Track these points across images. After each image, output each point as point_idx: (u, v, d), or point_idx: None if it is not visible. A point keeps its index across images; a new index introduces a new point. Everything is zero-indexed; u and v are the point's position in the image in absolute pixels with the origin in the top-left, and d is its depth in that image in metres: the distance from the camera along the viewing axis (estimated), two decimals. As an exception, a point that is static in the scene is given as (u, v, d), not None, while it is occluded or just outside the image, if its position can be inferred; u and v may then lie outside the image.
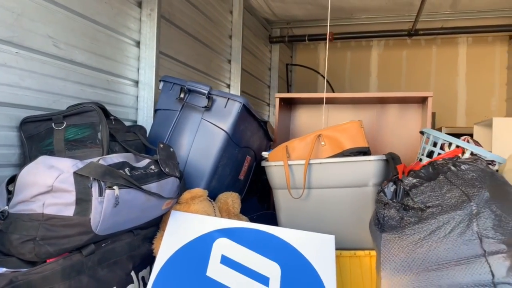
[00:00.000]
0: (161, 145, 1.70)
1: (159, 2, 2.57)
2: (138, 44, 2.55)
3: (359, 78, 6.41)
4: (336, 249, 1.73)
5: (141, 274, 1.59)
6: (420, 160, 2.05)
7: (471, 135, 4.24)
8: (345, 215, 1.83)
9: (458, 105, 6.11)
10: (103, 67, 2.17)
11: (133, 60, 2.52)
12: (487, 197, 1.25)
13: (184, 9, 3.06)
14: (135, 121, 2.54)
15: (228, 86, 3.97)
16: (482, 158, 1.63)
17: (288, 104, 3.18)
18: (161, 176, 1.58)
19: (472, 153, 1.87)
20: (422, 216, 1.31)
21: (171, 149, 1.77)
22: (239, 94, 3.98)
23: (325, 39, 5.35)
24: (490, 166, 1.88)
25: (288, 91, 6.04)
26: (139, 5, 2.52)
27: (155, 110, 2.16)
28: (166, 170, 1.61)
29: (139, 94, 2.56)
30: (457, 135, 4.65)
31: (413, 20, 4.64)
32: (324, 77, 5.75)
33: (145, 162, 1.60)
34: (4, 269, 1.18)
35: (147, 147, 1.87)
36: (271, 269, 1.48)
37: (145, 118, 2.53)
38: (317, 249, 1.52)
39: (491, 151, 3.47)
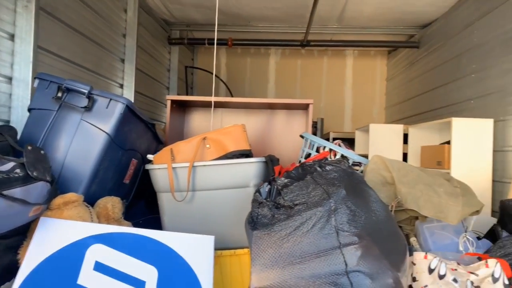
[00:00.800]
0: (29, 147, 1.57)
1: (42, -4, 2.38)
2: (12, 37, 2.34)
3: (259, 84, 6.65)
4: (219, 249, 1.77)
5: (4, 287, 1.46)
6: (300, 162, 2.19)
7: (352, 140, 4.68)
8: (227, 216, 1.88)
9: (345, 112, 6.68)
10: (-35, 60, 1.95)
11: (5, 54, 2.30)
12: (344, 194, 1.39)
13: (69, 3, 2.87)
14: (8, 121, 2.32)
15: (121, 86, 3.82)
16: (346, 160, 1.81)
17: (182, 107, 3.17)
18: (27, 180, 1.47)
19: (342, 156, 2.07)
20: (290, 213, 1.41)
21: (42, 152, 1.65)
22: (132, 95, 3.85)
23: (225, 44, 5.45)
24: (357, 168, 2.10)
25: (188, 94, 6.01)
26: (14, -5, 2.31)
27: (29, 110, 2.00)
28: (34, 174, 1.50)
29: (12, 92, 2.34)
30: (344, 139, 5.07)
31: (305, 31, 4.94)
32: (222, 81, 5.84)
33: (9, 165, 1.47)
34: None
35: (15, 149, 1.72)
36: (148, 273, 1.46)
37: (20, 118, 2.32)
38: (196, 250, 1.54)
39: (366, 154, 3.84)
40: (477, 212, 1.82)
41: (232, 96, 5.90)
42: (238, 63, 6.65)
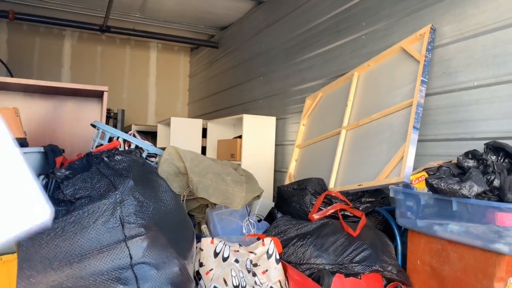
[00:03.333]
0: None
1: None
2: None
3: (51, 67, 5.88)
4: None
5: None
6: (89, 153, 2.01)
7: (155, 133, 4.62)
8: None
9: (149, 105, 6.58)
10: None
11: None
12: (131, 185, 1.33)
13: None
14: None
15: None
16: (140, 151, 1.75)
17: None
18: None
19: (136, 147, 1.99)
20: (70, 209, 1.26)
21: None
22: None
23: (5, 16, 4.60)
24: (153, 159, 2.06)
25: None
26: None
27: None
28: None
29: None
30: (147, 133, 4.92)
31: (104, 15, 4.62)
32: (1, 61, 4.92)
33: None
34: None
35: None
36: None
37: None
38: None
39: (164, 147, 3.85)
40: (258, 197, 2.03)
41: (12, 76, 5.03)
42: (24, 41, 5.74)
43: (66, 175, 1.38)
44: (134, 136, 2.06)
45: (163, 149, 2.02)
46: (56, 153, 1.61)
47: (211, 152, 4.05)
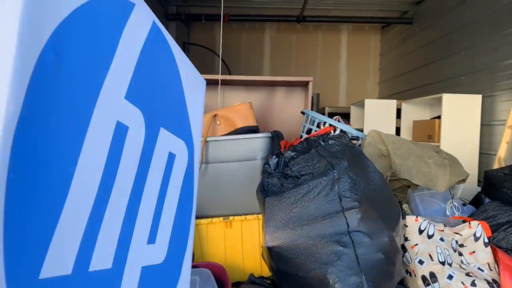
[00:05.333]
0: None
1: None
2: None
3: (254, 59, 6.72)
4: (232, 215, 1.97)
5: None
6: (301, 137, 2.36)
7: (348, 114, 4.84)
8: (237, 186, 2.05)
9: (340, 87, 6.82)
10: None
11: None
12: (346, 165, 1.56)
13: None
14: None
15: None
16: (347, 135, 1.98)
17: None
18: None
19: (341, 130, 2.23)
20: (297, 183, 1.58)
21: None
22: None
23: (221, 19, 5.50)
24: (354, 141, 2.27)
25: (185, 70, 6.08)
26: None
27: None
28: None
29: None
30: (339, 114, 5.20)
31: (301, 7, 5.02)
32: (223, 61, 5.92)
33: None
34: None
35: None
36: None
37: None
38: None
39: (362, 128, 4.01)
40: (463, 180, 2.02)
41: (229, 72, 5.99)
42: (233, 38, 6.69)
43: (292, 156, 1.72)
44: (338, 121, 2.30)
45: (361, 130, 2.20)
46: (280, 138, 1.99)
47: (405, 133, 4.02)
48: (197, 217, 1.79)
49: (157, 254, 0.84)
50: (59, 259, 0.62)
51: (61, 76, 0.57)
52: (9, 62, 0.48)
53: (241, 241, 1.95)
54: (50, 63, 0.55)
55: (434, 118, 3.52)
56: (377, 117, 4.06)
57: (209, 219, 1.95)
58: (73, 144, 0.59)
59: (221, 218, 1.96)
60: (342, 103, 6.71)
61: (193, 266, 1.56)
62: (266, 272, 1.88)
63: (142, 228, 0.77)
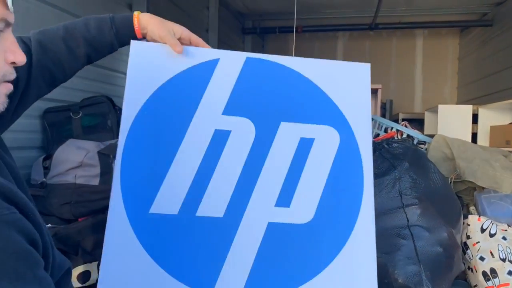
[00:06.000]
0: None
1: (147, 4, 2.90)
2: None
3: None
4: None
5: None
6: (369, 141, 2.51)
7: (422, 120, 4.80)
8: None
9: (416, 93, 6.70)
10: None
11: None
12: (407, 166, 1.72)
13: (166, 6, 3.39)
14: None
15: (206, 76, 4.33)
16: (411, 139, 2.11)
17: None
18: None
19: (408, 135, 2.35)
20: (362, 181, 1.77)
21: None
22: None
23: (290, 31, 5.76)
24: (422, 146, 2.38)
25: (260, 80, 6.43)
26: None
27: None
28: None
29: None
30: (413, 120, 5.17)
31: (373, 15, 5.10)
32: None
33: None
34: (49, 225, 1.55)
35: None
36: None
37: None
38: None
39: (434, 134, 4.00)
40: (534, 184, 2.03)
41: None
42: (306, 47, 6.89)
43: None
44: (405, 126, 2.42)
45: (431, 136, 2.29)
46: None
47: (482, 139, 3.92)
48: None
49: (294, 215, 1.13)
50: (166, 202, 1.03)
51: (159, 115, 1.00)
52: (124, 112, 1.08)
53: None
54: (147, 112, 1.12)
55: (513, 123, 3.43)
56: (451, 122, 4.01)
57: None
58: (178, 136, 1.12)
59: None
60: (418, 109, 6.58)
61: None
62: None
63: (265, 193, 1.11)
